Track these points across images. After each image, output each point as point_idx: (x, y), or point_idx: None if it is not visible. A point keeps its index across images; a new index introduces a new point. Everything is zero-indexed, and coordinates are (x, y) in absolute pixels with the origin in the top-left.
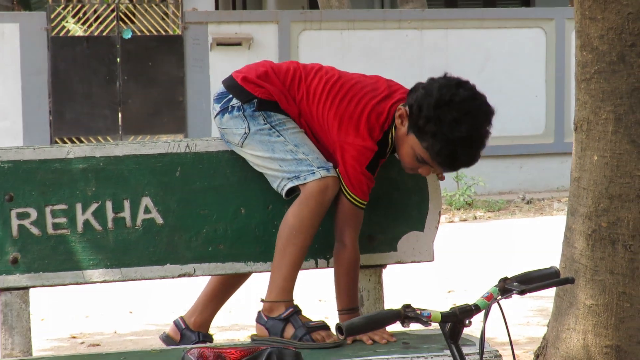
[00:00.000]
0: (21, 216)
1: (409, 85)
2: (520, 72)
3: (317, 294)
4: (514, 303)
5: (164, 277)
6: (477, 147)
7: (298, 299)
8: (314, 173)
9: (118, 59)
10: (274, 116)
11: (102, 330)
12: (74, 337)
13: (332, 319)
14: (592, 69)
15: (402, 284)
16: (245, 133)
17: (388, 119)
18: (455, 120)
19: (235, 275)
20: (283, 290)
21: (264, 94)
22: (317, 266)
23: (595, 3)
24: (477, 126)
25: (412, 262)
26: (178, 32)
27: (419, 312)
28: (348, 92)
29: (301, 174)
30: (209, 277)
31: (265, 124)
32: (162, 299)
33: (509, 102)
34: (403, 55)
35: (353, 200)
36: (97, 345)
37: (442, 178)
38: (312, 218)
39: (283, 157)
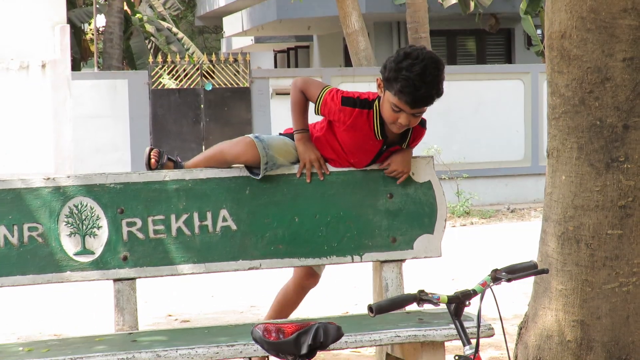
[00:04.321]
0: (130, 224)
1: None
2: (504, 113)
3: (352, 281)
4: (503, 288)
5: (237, 270)
6: (431, 82)
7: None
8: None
9: (202, 106)
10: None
11: (191, 310)
12: (169, 316)
13: (363, 304)
14: (560, 110)
15: (417, 274)
16: None
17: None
18: (411, 65)
19: (297, 290)
20: None
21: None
22: (352, 261)
23: (562, 60)
24: (428, 67)
25: (424, 257)
26: (247, 85)
27: (430, 295)
28: None
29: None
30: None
31: None
32: (235, 286)
33: (496, 136)
34: None
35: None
36: (187, 321)
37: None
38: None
39: None
